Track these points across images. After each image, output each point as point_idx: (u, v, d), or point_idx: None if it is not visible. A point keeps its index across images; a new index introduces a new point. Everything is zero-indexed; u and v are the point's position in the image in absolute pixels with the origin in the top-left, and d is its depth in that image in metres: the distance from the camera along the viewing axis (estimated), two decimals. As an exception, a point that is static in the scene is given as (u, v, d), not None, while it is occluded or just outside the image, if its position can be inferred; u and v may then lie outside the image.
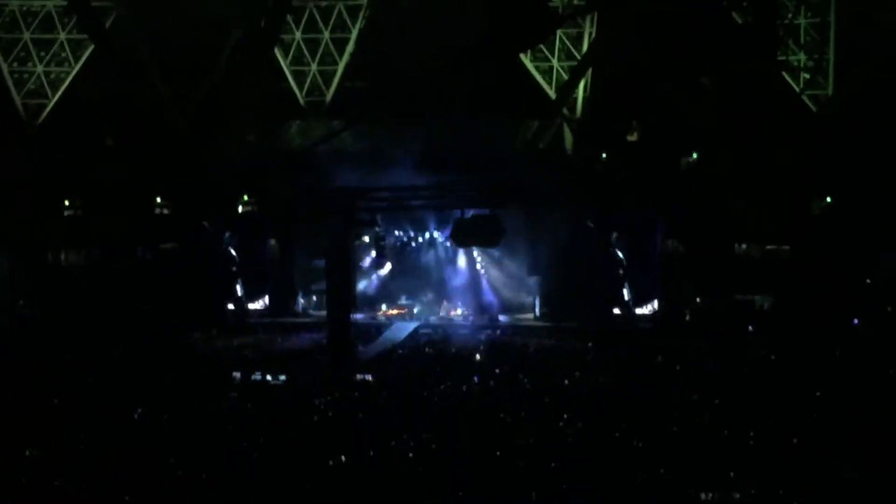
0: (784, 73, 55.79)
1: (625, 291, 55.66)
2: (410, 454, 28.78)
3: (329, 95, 62.20)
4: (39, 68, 59.49)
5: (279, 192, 55.22)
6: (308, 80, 62.54)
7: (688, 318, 54.43)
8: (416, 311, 58.33)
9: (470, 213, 46.81)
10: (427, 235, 60.32)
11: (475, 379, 40.50)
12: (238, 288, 57.97)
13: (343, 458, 28.32)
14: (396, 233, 59.99)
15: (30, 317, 54.27)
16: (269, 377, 41.88)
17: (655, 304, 55.27)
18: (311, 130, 61.33)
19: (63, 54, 59.70)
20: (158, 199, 57.83)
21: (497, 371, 42.17)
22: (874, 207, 50.77)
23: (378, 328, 55.23)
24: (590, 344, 49.36)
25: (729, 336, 49.56)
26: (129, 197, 56.49)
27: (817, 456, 27.69)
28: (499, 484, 26.47)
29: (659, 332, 51.93)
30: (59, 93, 59.57)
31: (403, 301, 59.01)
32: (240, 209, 58.21)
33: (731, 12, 49.41)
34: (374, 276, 59.53)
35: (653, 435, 30.35)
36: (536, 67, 60.18)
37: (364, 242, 57.96)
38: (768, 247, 54.94)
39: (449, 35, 51.19)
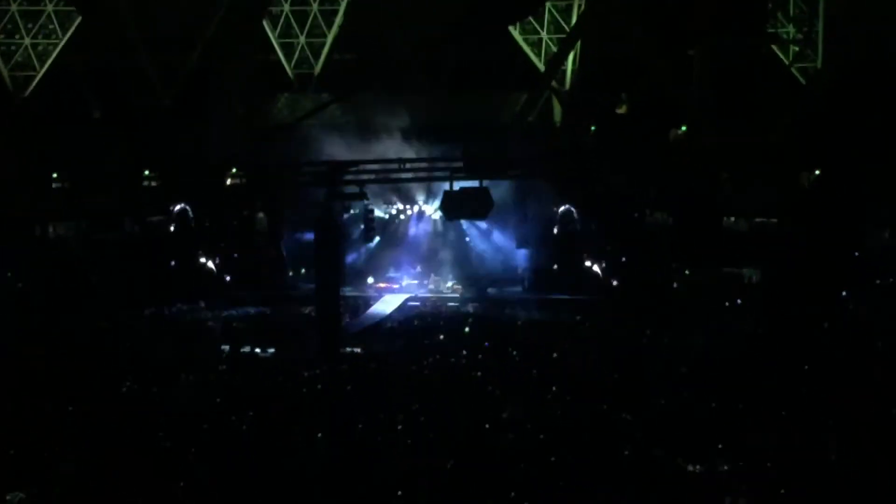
0: (773, 46, 55.78)
1: (599, 265, 55.74)
2: (399, 427, 28.80)
3: (318, 68, 62.09)
4: (27, 40, 59.32)
5: (267, 164, 55.10)
6: (296, 53, 62.41)
7: (675, 286, 54.47)
8: (403, 284, 58.30)
9: (458, 185, 46.73)
10: (416, 208, 60.19)
11: (464, 352, 40.51)
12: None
13: (331, 430, 28.34)
14: (384, 206, 59.84)
15: (18, 290, 54.17)
16: (257, 350, 41.90)
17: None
18: (299, 103, 61.24)
19: (50, 26, 59.54)
20: (146, 172, 57.70)
21: (485, 344, 42.18)
22: (863, 181, 50.75)
23: (367, 301, 55.19)
24: (578, 317, 49.40)
25: (716, 309, 49.62)
26: (117, 170, 56.36)
27: (805, 430, 27.75)
28: (487, 456, 26.51)
29: (636, 308, 51.78)
30: (47, 65, 59.43)
31: (392, 274, 58.95)
32: (228, 182, 58.09)
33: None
34: (362, 249, 59.39)
35: (640, 408, 30.40)
36: (525, 40, 60.12)
37: (353, 215, 57.83)
38: (756, 220, 54.96)
39: (438, 7, 51.18)
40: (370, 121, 55.71)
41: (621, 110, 58.77)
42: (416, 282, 58.55)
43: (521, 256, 57.98)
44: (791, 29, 56.14)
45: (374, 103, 57.10)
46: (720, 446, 26.14)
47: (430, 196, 58.62)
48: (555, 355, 39.31)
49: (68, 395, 31.99)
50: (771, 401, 30.81)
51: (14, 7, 59.06)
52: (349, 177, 47.48)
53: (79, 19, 58.57)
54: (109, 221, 57.55)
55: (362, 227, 56.36)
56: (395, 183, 55.08)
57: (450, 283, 58.34)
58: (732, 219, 55.28)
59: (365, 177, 48.27)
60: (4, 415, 29.64)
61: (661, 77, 54.18)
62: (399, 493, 24.08)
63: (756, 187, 52.86)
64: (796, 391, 32.31)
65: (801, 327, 43.36)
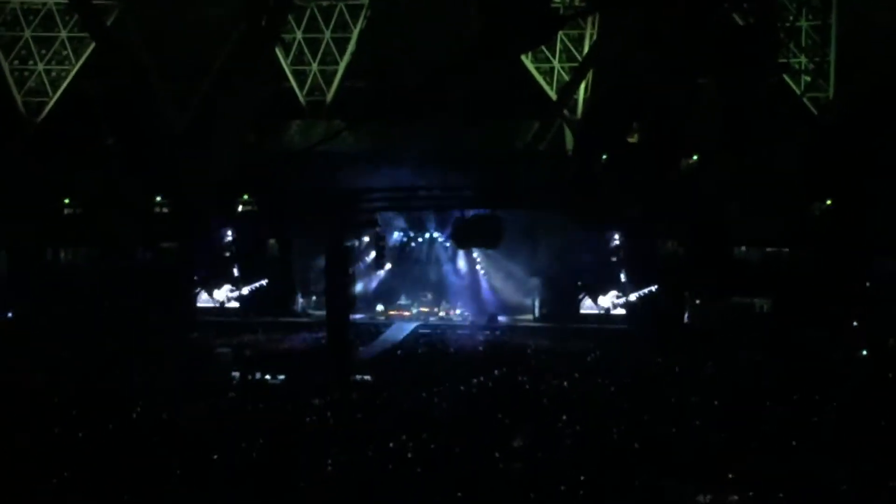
0: (785, 76, 55.75)
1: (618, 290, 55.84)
2: (409, 455, 28.75)
3: (330, 95, 62.21)
4: (40, 66, 59.51)
5: (279, 191, 55.21)
6: (309, 80, 62.56)
7: (686, 320, 54.45)
8: (414, 311, 58.29)
9: (470, 213, 46.74)
10: (427, 236, 60.22)
11: (474, 380, 40.45)
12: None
13: (341, 458, 28.30)
14: (396, 233, 59.89)
15: (28, 316, 54.25)
16: (267, 377, 41.87)
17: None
18: (311, 130, 61.34)
19: (64, 52, 59.74)
20: (157, 198, 57.87)
21: (496, 372, 42.12)
22: (873, 210, 50.74)
23: (377, 328, 55.17)
24: (589, 345, 49.34)
25: (728, 339, 49.54)
26: (129, 196, 56.51)
27: (816, 459, 27.67)
28: (497, 485, 26.46)
29: (655, 335, 51.73)
30: (60, 91, 59.59)
31: (402, 301, 58.93)
32: (239, 208, 58.25)
33: (731, 14, 49.34)
34: (373, 276, 59.44)
35: (651, 437, 30.33)
36: (537, 68, 60.20)
37: (364, 242, 57.91)
38: (768, 249, 54.94)
39: (449, 35, 51.21)
40: (382, 148, 55.77)
41: (633, 139, 58.81)
42: (426, 309, 58.58)
43: (533, 285, 57.95)
44: (803, 59, 56.16)
45: (385, 131, 57.21)
46: (731, 475, 26.05)
47: (441, 223, 58.64)
48: (565, 384, 39.24)
49: (78, 420, 32.01)
50: (782, 430, 30.75)
51: (27, 33, 59.28)
52: (360, 204, 47.49)
53: (92, 46, 58.73)
54: (121, 247, 57.69)
55: (373, 254, 56.44)
56: (406, 210, 55.15)
57: (460, 311, 58.34)
58: (743, 248, 55.28)
59: (376, 204, 48.32)
60: (13, 439, 29.65)
61: (672, 106, 54.19)
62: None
63: (767, 216, 52.86)
64: (807, 420, 32.25)
65: (812, 356, 43.30)
